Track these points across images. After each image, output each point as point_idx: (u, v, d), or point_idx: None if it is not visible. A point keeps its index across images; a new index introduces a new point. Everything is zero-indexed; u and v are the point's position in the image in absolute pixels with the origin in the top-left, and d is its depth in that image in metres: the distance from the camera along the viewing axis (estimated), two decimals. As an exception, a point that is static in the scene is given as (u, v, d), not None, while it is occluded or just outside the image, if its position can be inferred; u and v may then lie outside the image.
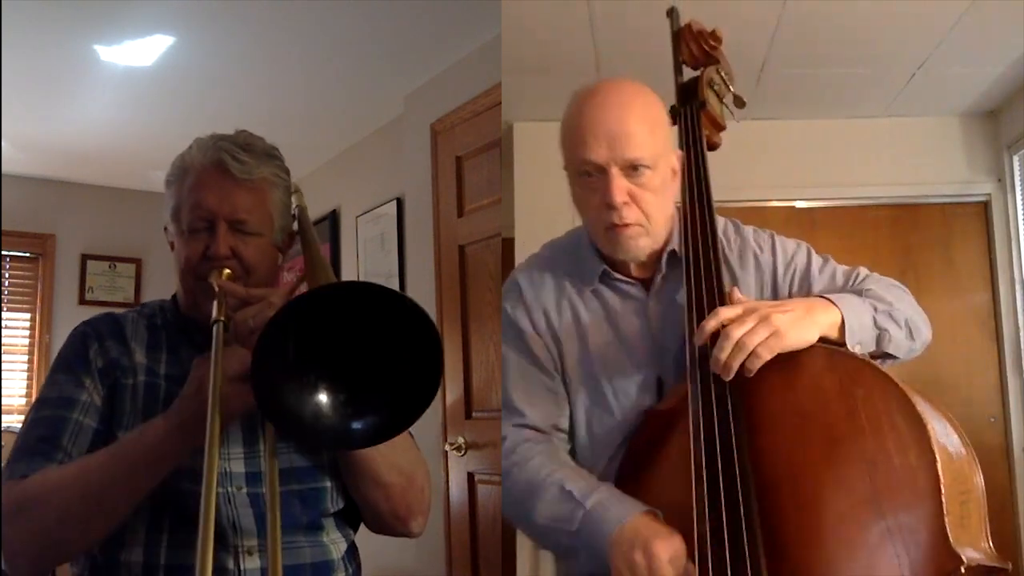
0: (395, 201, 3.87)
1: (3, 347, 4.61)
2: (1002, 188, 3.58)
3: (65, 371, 1.26)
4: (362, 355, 1.03)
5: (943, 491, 1.00)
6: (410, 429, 1.21)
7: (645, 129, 1.26)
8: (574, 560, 1.21)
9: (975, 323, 3.57)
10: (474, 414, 3.23)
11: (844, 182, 3.62)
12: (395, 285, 3.83)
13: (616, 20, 2.77)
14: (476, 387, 3.22)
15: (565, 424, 1.35)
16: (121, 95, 3.65)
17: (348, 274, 4.19)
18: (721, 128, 1.50)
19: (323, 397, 1.03)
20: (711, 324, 1.16)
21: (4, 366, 4.51)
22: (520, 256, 3.43)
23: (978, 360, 3.55)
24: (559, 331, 1.37)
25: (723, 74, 1.50)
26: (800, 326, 1.16)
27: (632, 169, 1.25)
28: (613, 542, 1.10)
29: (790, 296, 1.35)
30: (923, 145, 3.63)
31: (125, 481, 1.12)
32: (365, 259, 4.13)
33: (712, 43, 1.48)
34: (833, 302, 1.22)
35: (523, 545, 3.33)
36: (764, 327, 1.13)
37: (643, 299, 1.35)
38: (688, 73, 1.55)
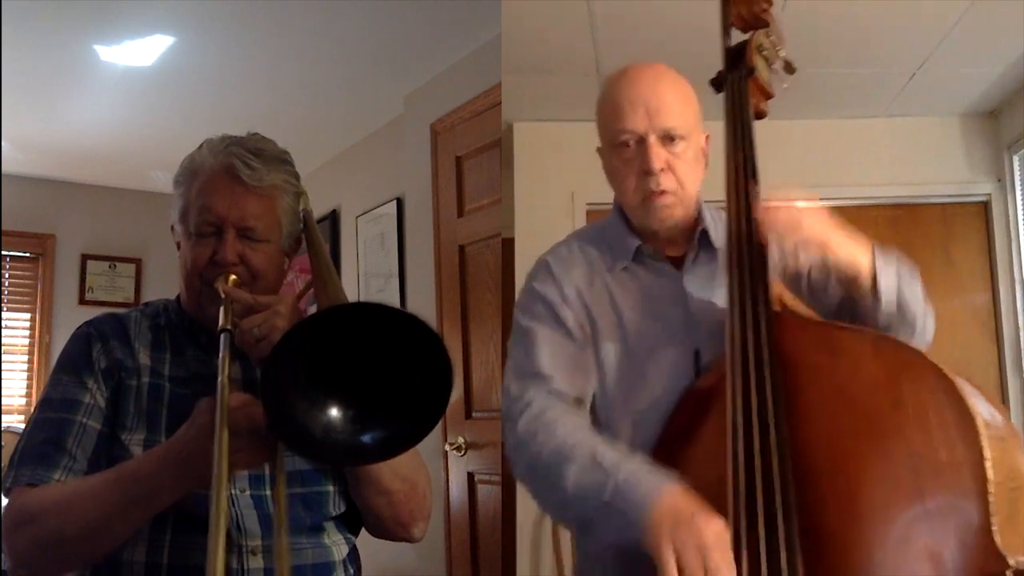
0: (395, 201, 3.87)
1: (3, 347, 4.61)
2: (1002, 188, 3.58)
3: (69, 372, 1.26)
4: (371, 372, 1.03)
5: (991, 489, 0.95)
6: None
7: (679, 100, 1.33)
8: (597, 532, 1.16)
9: (975, 323, 3.57)
10: (474, 414, 3.23)
11: (844, 182, 3.61)
12: (395, 285, 3.83)
13: (616, 20, 2.76)
14: (476, 387, 3.22)
15: (588, 397, 1.33)
16: (121, 95, 3.65)
17: (348, 274, 4.19)
18: (769, 96, 1.43)
19: (333, 413, 1.02)
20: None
21: (4, 366, 4.50)
22: (520, 256, 3.44)
23: (978, 360, 3.55)
24: (591, 306, 1.35)
25: (772, 38, 1.44)
26: (832, 232, 1.20)
27: (668, 139, 1.30)
28: (652, 520, 1.05)
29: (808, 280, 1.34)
30: (923, 145, 3.62)
31: (123, 510, 1.11)
32: (365, 259, 4.13)
33: (764, 5, 1.42)
34: (870, 244, 1.23)
35: (523, 545, 3.33)
36: (804, 216, 1.20)
37: (676, 276, 1.36)
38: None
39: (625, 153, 1.32)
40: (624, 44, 2.91)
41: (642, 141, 1.30)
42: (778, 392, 1.11)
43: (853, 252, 1.20)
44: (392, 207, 3.89)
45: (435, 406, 1.02)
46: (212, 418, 1.03)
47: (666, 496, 1.07)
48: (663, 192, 1.31)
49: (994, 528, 0.95)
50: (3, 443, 3.21)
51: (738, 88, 1.38)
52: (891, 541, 1.00)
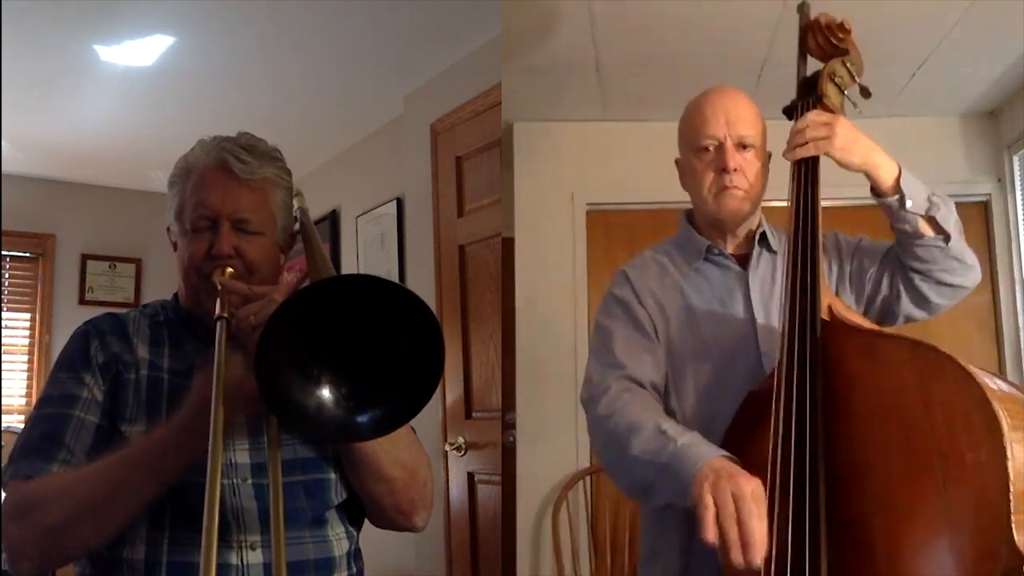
0: (395, 201, 3.87)
1: (3, 347, 4.61)
2: (1002, 188, 3.57)
3: (66, 369, 1.28)
4: (364, 347, 1.04)
5: (1012, 490, 0.99)
6: (411, 426, 1.22)
7: (753, 115, 1.55)
8: (655, 494, 1.28)
9: (975, 323, 3.57)
10: (474, 414, 3.23)
11: (844, 182, 3.60)
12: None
13: (616, 20, 2.76)
14: (476, 387, 3.22)
15: (661, 384, 1.48)
16: (121, 95, 3.65)
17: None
18: None
19: (326, 390, 1.04)
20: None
21: (4, 366, 4.51)
22: (520, 256, 3.45)
23: (978, 360, 3.50)
24: (664, 304, 1.54)
25: (850, 66, 1.53)
26: (854, 144, 1.42)
27: (742, 147, 1.52)
28: (698, 473, 1.16)
29: (851, 271, 1.55)
30: (923, 145, 3.62)
31: (126, 488, 1.13)
32: (365, 259, 4.13)
33: (840, 35, 1.53)
34: (896, 161, 1.43)
35: (523, 545, 3.33)
36: (824, 129, 1.41)
37: (742, 273, 1.55)
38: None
39: (705, 156, 1.53)
40: (624, 44, 2.91)
41: (720, 146, 1.51)
42: (818, 396, 1.20)
43: (848, 152, 1.42)
44: (392, 207, 3.89)
45: (427, 379, 1.03)
46: (211, 387, 1.05)
47: (714, 460, 1.18)
48: (736, 186, 1.51)
49: (1014, 526, 0.99)
50: (3, 443, 3.21)
51: (804, 112, 1.50)
52: (918, 537, 1.06)
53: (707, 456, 1.19)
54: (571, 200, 3.56)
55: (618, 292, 1.57)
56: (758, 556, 1.08)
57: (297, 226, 1.38)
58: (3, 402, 4.56)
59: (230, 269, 1.26)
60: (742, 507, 1.10)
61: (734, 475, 1.13)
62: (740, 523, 1.09)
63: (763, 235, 1.58)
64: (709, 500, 1.11)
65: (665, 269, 1.59)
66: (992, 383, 1.06)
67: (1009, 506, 0.99)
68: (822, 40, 1.55)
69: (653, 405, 1.41)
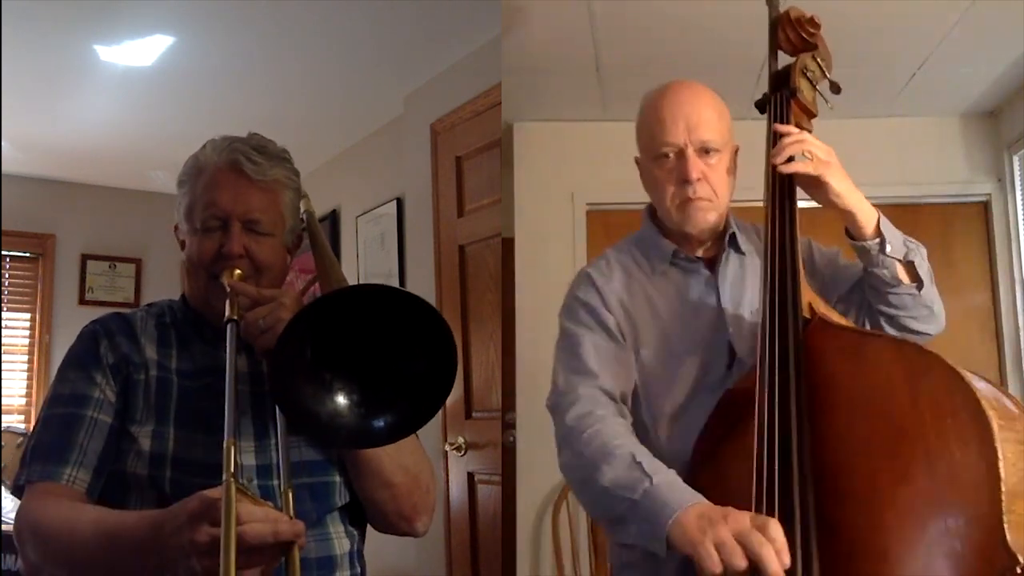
0: (395, 201, 3.87)
1: (3, 347, 4.61)
2: (1002, 188, 3.58)
3: (76, 368, 1.28)
4: (376, 355, 1.04)
5: (1003, 488, 0.98)
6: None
7: (715, 116, 1.44)
8: (622, 531, 1.21)
9: (975, 323, 3.57)
10: (474, 414, 3.23)
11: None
12: (395, 285, 3.83)
13: (616, 20, 2.77)
14: (476, 387, 3.22)
15: (630, 393, 1.42)
16: (121, 95, 3.65)
17: (348, 274, 4.17)
18: (812, 115, 1.50)
19: (339, 397, 1.05)
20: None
21: (4, 366, 4.50)
22: (520, 256, 3.45)
23: (978, 360, 3.54)
24: (631, 310, 1.46)
25: (819, 60, 1.51)
26: (846, 181, 1.35)
27: (704, 151, 1.42)
28: (684, 523, 1.08)
29: (824, 281, 1.49)
30: (923, 145, 3.62)
31: (105, 565, 1.10)
32: (365, 259, 4.13)
33: (810, 29, 1.50)
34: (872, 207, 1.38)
35: (523, 545, 3.33)
36: (826, 153, 1.34)
37: (711, 276, 1.47)
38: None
39: (665, 164, 1.43)
40: (624, 44, 2.91)
41: (681, 153, 1.41)
42: (802, 395, 1.17)
43: (842, 183, 1.35)
44: (392, 207, 3.89)
45: (439, 388, 1.03)
46: (200, 506, 0.98)
47: (695, 506, 1.11)
48: (699, 198, 1.42)
49: (1006, 526, 0.97)
50: (3, 443, 3.21)
51: (780, 109, 1.46)
52: (907, 537, 1.03)
53: (686, 501, 1.12)
54: (571, 200, 3.56)
55: (583, 296, 1.48)
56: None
57: (302, 224, 1.39)
58: (3, 402, 4.56)
59: (239, 271, 1.27)
60: (752, 541, 1.02)
61: (727, 514, 1.07)
62: (752, 556, 1.02)
63: (732, 236, 1.50)
64: (711, 550, 1.04)
65: (631, 274, 1.50)
66: (978, 383, 1.05)
67: (1001, 506, 0.97)
68: (792, 35, 1.51)
69: (626, 429, 1.33)
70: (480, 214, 3.27)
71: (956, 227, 3.68)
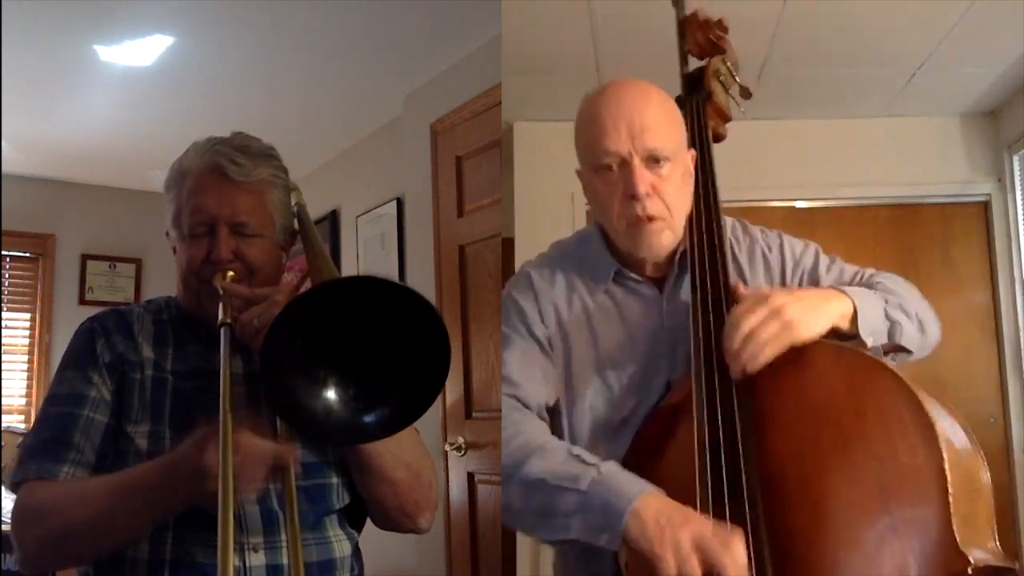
0: (395, 201, 3.87)
1: (3, 347, 4.60)
2: (1002, 188, 3.58)
3: (73, 367, 1.27)
4: (369, 348, 1.03)
5: (950, 490, 0.98)
6: (415, 428, 1.22)
7: (664, 120, 1.25)
8: (557, 525, 1.12)
9: (975, 323, 3.57)
10: (474, 414, 3.23)
11: (844, 182, 3.61)
12: (394, 284, 3.83)
13: (616, 20, 2.77)
14: (476, 387, 3.22)
15: (551, 405, 1.31)
16: (121, 95, 3.65)
17: (348, 274, 4.19)
18: (727, 119, 1.47)
19: (332, 392, 1.04)
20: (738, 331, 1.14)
21: (4, 366, 4.50)
22: (520, 256, 3.44)
23: (978, 360, 3.55)
24: (567, 325, 1.33)
25: (729, 64, 1.47)
26: (812, 316, 1.14)
27: (654, 161, 1.23)
28: (642, 520, 1.03)
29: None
30: (923, 145, 3.63)
31: (124, 516, 1.12)
32: (365, 259, 4.13)
33: (719, 32, 1.45)
34: (845, 292, 1.21)
35: (523, 545, 3.33)
36: (775, 319, 1.12)
37: (656, 298, 1.33)
38: (693, 64, 1.52)
39: (608, 176, 1.25)
40: (624, 44, 2.91)
41: (625, 164, 1.23)
42: (744, 406, 1.13)
43: (812, 328, 1.15)
44: (392, 207, 3.89)
45: (433, 379, 1.02)
46: (210, 433, 1.04)
47: (652, 498, 1.06)
48: (651, 218, 1.24)
49: (955, 528, 0.98)
50: (3, 443, 3.21)
51: (696, 112, 1.40)
52: (858, 543, 1.03)
53: (641, 492, 1.06)
54: (571, 200, 3.56)
55: (519, 298, 1.35)
56: None
57: (296, 222, 1.37)
58: (3, 402, 4.56)
59: (231, 273, 1.25)
60: (709, 548, 1.00)
61: (688, 521, 1.03)
62: (711, 564, 1.00)
63: (683, 253, 1.31)
64: (669, 556, 1.00)
65: (573, 285, 1.35)
66: (917, 387, 1.06)
67: (949, 508, 0.98)
68: (701, 38, 1.46)
69: (546, 429, 1.25)
70: (480, 214, 3.27)
71: (956, 227, 3.69)
